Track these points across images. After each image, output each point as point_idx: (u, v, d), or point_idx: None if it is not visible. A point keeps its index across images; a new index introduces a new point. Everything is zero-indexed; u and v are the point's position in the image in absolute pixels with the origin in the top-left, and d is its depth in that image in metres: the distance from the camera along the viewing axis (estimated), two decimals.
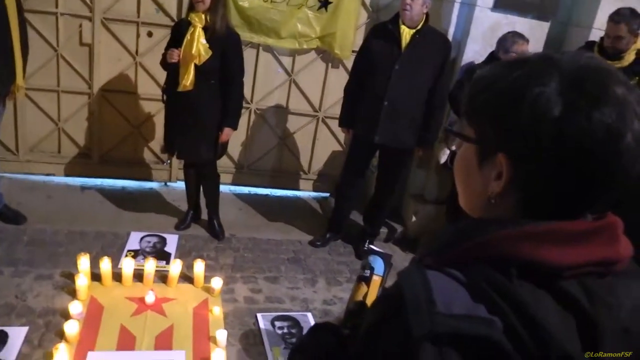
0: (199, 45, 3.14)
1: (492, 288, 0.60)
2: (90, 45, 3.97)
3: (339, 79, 4.22)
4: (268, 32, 4.07)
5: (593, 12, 3.73)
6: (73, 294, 2.88)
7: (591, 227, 0.64)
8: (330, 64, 4.39)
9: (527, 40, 3.37)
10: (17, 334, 2.55)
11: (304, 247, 3.81)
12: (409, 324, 0.58)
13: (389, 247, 3.93)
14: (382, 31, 3.34)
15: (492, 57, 3.48)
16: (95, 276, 3.01)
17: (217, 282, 3.09)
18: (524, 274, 0.61)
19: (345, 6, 4.04)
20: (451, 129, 0.78)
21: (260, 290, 3.24)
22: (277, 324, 2.93)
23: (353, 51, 3.98)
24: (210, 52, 3.16)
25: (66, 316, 2.68)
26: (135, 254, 3.36)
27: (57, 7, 3.84)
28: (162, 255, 3.37)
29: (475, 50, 3.74)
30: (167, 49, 3.30)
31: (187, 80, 3.20)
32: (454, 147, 0.77)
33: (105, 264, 2.99)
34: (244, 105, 3.96)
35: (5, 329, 2.57)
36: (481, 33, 3.71)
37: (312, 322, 2.96)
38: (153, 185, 4.41)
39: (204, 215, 3.85)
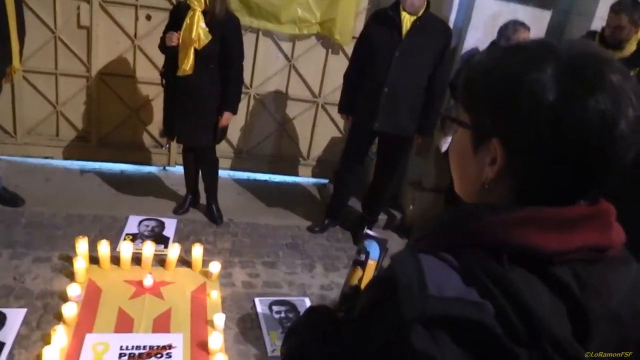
0: (198, 29, 3.12)
1: (484, 272, 0.60)
2: (88, 28, 3.95)
3: (339, 65, 4.20)
4: (268, 17, 4.04)
5: (595, 1, 3.70)
6: (71, 276, 2.89)
7: (584, 213, 0.65)
8: (330, 50, 4.37)
9: (528, 29, 3.36)
10: (15, 316, 2.57)
11: (302, 233, 3.83)
12: (401, 306, 0.59)
13: (387, 234, 3.94)
14: (382, 17, 3.32)
15: (493, 46, 3.46)
16: (94, 259, 3.03)
17: (215, 267, 3.11)
18: (516, 259, 0.61)
19: None
20: (446, 114, 0.79)
21: (258, 275, 3.25)
22: (275, 308, 2.95)
23: (353, 37, 3.96)
24: (210, 37, 3.14)
25: (64, 298, 2.70)
26: (134, 237, 3.37)
27: None
28: (160, 239, 3.39)
29: (477, 39, 3.72)
30: (165, 32, 3.28)
31: (187, 64, 3.18)
32: (449, 139, 0.77)
33: (104, 247, 3.01)
34: (243, 90, 3.94)
35: (4, 310, 2.59)
36: (482, 21, 3.69)
37: None
38: (152, 169, 4.41)
39: (203, 200, 3.86)
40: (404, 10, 3.21)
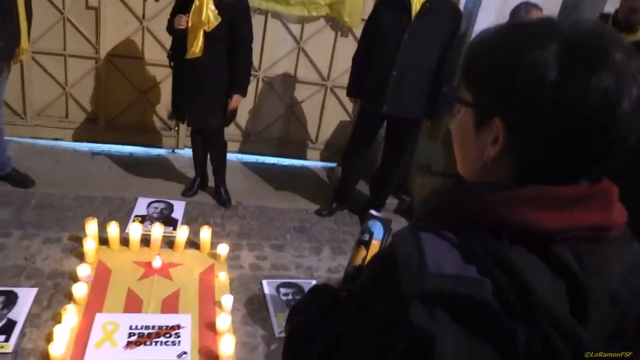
0: (208, 11, 3.11)
1: (484, 250, 0.60)
2: (96, 8, 3.94)
3: (348, 48, 4.16)
4: None
5: None
6: (81, 257, 2.93)
7: (585, 192, 0.64)
8: (339, 33, 4.33)
9: (540, 10, 3.30)
10: (27, 295, 2.61)
11: (310, 216, 3.84)
12: (400, 283, 0.59)
13: (397, 219, 3.94)
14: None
15: None
16: (103, 240, 3.05)
17: (223, 249, 3.13)
18: (517, 237, 0.61)
19: None
20: (449, 92, 0.78)
21: (266, 258, 3.27)
22: (282, 290, 2.97)
23: (362, 19, 3.92)
24: (219, 19, 3.13)
25: (74, 279, 2.73)
26: (143, 219, 3.40)
27: None
28: (169, 221, 3.41)
29: (488, 21, 3.66)
30: (172, 14, 3.26)
31: (196, 47, 3.17)
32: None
33: (113, 229, 3.03)
34: (252, 73, 3.93)
35: (15, 289, 2.63)
36: (494, 3, 3.63)
37: None
38: (161, 151, 4.42)
39: (211, 183, 3.87)
40: None
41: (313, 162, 4.74)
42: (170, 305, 2.71)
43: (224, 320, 2.56)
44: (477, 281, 0.58)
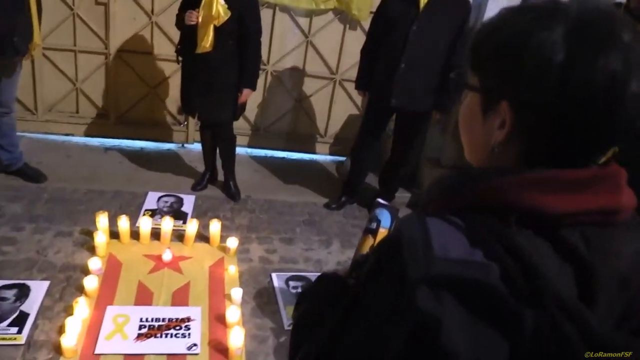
0: (217, 6, 3.11)
1: (490, 234, 0.60)
2: (105, 4, 3.96)
3: (356, 41, 4.14)
4: None
5: None
6: (92, 250, 2.95)
7: (593, 175, 0.63)
8: (347, 26, 4.32)
9: None
10: (39, 288, 2.64)
11: (319, 210, 3.84)
12: (406, 267, 0.59)
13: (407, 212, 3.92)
14: None
15: None
16: (114, 234, 3.08)
17: (232, 242, 3.14)
18: (524, 221, 0.61)
19: None
20: (455, 77, 0.77)
21: (275, 251, 3.28)
22: (292, 283, 2.98)
23: (371, 12, 3.90)
24: (229, 13, 3.14)
25: (86, 272, 2.76)
26: (153, 213, 3.42)
27: None
28: (179, 215, 3.43)
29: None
30: (181, 9, 3.27)
31: (207, 41, 3.18)
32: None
33: (124, 222, 3.06)
34: (260, 67, 3.93)
35: (28, 282, 2.66)
36: None
37: None
38: (170, 146, 4.45)
39: (221, 177, 3.89)
40: None
41: (322, 156, 4.74)
42: (180, 297, 2.73)
43: (233, 313, 2.57)
44: (484, 265, 0.58)
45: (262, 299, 2.84)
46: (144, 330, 2.46)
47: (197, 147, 4.07)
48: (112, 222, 3.07)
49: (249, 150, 4.60)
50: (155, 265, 2.94)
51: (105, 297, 2.65)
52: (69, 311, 2.50)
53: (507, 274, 0.57)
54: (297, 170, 4.42)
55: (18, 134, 3.63)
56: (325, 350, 0.69)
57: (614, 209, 0.64)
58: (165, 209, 3.51)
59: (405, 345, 0.59)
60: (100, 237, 2.93)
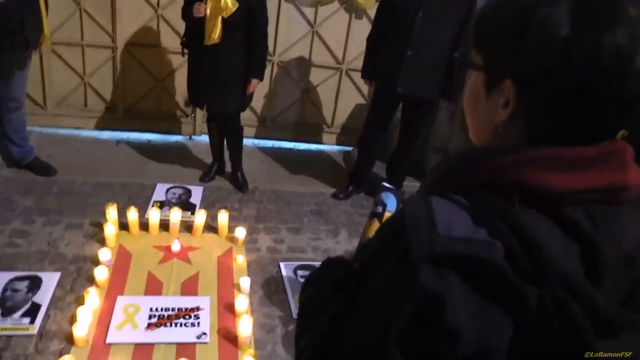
0: None
1: (494, 213, 0.60)
2: None
3: (362, 30, 4.12)
4: None
5: None
6: (102, 242, 2.98)
7: (597, 152, 0.62)
8: (353, 15, 4.30)
9: None
10: (50, 279, 2.67)
11: (326, 200, 3.84)
12: (409, 245, 0.59)
13: None
14: None
15: None
16: (123, 225, 3.10)
17: (240, 232, 3.15)
18: (528, 199, 0.60)
19: None
20: (459, 56, 0.77)
21: (283, 241, 3.29)
22: (300, 272, 2.99)
23: (376, 1, 3.88)
24: (237, 4, 3.14)
25: (96, 263, 2.79)
26: (162, 204, 3.44)
27: None
28: (187, 206, 3.45)
29: None
30: (187, 2, 3.27)
31: (215, 33, 3.19)
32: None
33: (133, 214, 3.08)
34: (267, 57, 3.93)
35: (39, 274, 2.70)
36: None
37: None
38: (178, 138, 4.46)
39: (228, 168, 3.90)
40: None
41: (329, 146, 4.74)
42: (189, 287, 2.75)
43: (242, 302, 2.59)
44: (488, 243, 0.58)
45: (270, 288, 2.86)
46: (154, 320, 2.49)
47: (205, 138, 4.08)
48: (122, 213, 3.10)
49: (256, 141, 4.61)
50: (164, 256, 2.96)
51: (115, 288, 2.67)
52: (80, 302, 2.53)
53: (511, 252, 0.57)
54: (305, 161, 4.43)
55: (28, 128, 3.66)
56: (327, 338, 0.69)
57: (620, 186, 0.63)
58: (173, 201, 3.53)
59: (409, 324, 0.59)
60: (110, 229, 2.96)
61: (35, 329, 2.37)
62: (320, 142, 4.74)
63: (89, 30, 4.06)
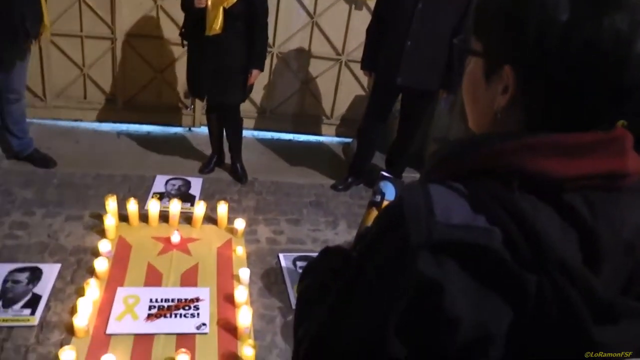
0: None
1: (493, 199, 0.59)
2: None
3: (362, 21, 4.09)
4: None
5: None
6: (102, 233, 2.98)
7: (595, 139, 0.62)
8: (353, 5, 4.28)
9: None
10: (51, 271, 2.68)
11: (325, 191, 3.84)
12: (408, 232, 0.59)
13: None
14: None
15: None
16: (123, 217, 3.10)
17: (240, 224, 3.16)
18: (527, 186, 0.60)
19: None
20: (458, 43, 0.76)
21: (282, 232, 3.30)
22: (299, 263, 3.00)
23: None
24: None
25: (96, 254, 2.79)
26: (161, 196, 3.44)
27: None
28: (186, 198, 3.45)
29: None
30: None
31: (217, 24, 3.18)
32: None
33: (132, 205, 3.08)
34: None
35: (40, 265, 2.70)
36: None
37: None
38: (177, 130, 4.46)
39: (228, 160, 3.90)
40: None
41: (328, 138, 4.74)
42: (189, 278, 2.76)
43: (241, 293, 2.60)
44: (486, 230, 0.58)
45: (269, 279, 2.87)
46: (153, 311, 2.50)
47: (204, 130, 4.08)
48: (121, 205, 3.10)
49: (256, 132, 4.60)
50: (164, 247, 2.96)
51: (115, 279, 2.68)
52: (80, 293, 2.53)
53: (510, 238, 0.57)
54: (304, 152, 4.43)
55: (27, 120, 3.65)
56: (325, 328, 0.69)
57: (619, 173, 0.63)
58: (173, 192, 3.53)
59: (408, 312, 0.59)
60: (110, 220, 2.96)
61: (35, 320, 2.37)
62: (319, 133, 4.73)
63: (88, 22, 4.04)
